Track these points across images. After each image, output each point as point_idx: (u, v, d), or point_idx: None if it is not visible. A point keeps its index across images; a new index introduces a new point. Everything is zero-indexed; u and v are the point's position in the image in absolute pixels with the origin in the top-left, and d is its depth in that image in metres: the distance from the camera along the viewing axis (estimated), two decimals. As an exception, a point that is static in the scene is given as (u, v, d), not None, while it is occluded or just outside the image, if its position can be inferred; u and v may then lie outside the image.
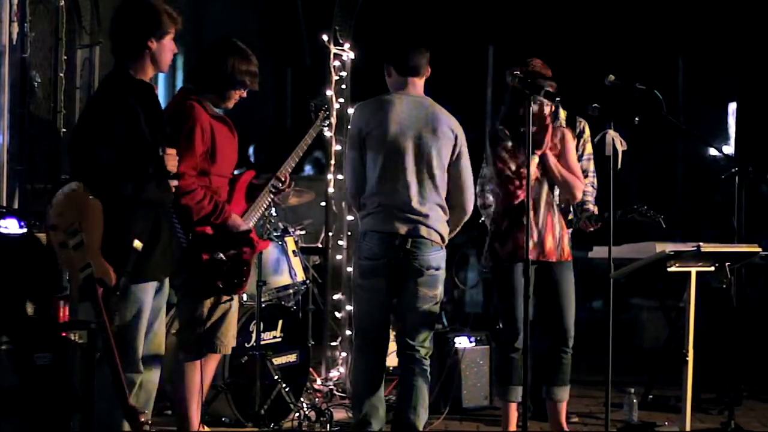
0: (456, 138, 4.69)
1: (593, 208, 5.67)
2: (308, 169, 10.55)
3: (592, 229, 5.56)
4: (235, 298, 4.84)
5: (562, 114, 5.58)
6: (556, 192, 5.18)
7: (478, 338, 6.10)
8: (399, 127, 4.57)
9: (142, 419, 3.85)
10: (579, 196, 5.17)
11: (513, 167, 4.97)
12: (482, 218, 5.68)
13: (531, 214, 5.01)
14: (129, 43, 4.07)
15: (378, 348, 4.71)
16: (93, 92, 4.09)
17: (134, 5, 4.11)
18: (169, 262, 4.22)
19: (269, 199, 4.99)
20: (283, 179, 4.97)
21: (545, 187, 5.14)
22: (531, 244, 4.96)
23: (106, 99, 4.03)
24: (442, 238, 4.66)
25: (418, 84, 4.73)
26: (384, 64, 4.74)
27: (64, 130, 6.52)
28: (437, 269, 4.63)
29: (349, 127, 4.69)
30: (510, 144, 5.00)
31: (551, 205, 5.13)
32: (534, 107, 4.76)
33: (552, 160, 5.05)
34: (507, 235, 5.04)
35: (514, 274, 5.00)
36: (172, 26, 4.10)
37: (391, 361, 5.18)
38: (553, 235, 5.09)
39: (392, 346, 5.05)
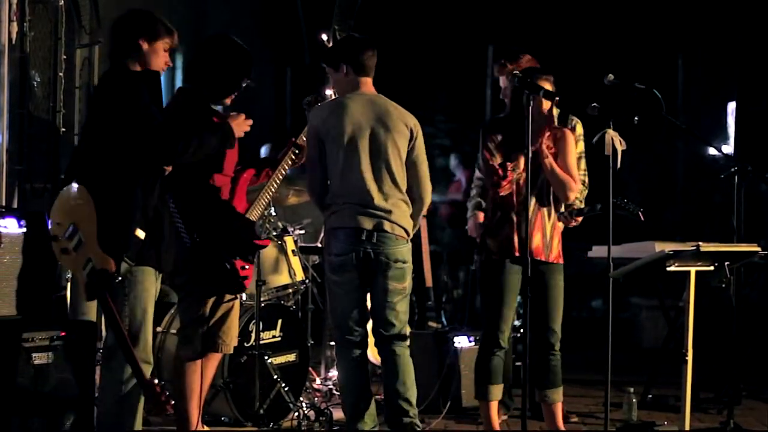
0: (411, 132, 4.77)
1: (579, 205, 5.66)
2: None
3: (573, 225, 5.55)
4: (244, 296, 4.86)
5: (555, 112, 5.57)
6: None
7: (478, 338, 6.09)
8: (354, 126, 4.67)
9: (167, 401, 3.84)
10: (572, 197, 5.15)
11: (498, 160, 4.97)
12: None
13: (518, 209, 5.02)
14: (122, 42, 4.19)
15: (358, 342, 4.75)
16: (96, 89, 4.13)
17: (134, 12, 4.27)
18: (167, 258, 4.27)
19: (289, 163, 5.06)
20: (301, 144, 5.05)
21: (537, 184, 5.14)
22: (516, 240, 4.97)
23: (123, 83, 4.09)
24: (407, 231, 4.74)
25: (370, 83, 4.83)
26: (338, 64, 4.80)
27: (64, 129, 6.53)
28: (404, 262, 4.72)
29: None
30: (500, 137, 5.01)
31: (543, 203, 5.11)
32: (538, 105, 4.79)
33: (548, 159, 5.04)
34: (497, 229, 5.05)
35: (502, 271, 4.99)
36: (166, 36, 4.23)
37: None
38: (542, 233, 5.06)
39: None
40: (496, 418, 5.13)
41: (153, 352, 4.32)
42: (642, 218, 5.16)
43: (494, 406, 5.10)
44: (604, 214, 4.80)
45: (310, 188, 4.85)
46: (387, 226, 4.65)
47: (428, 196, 4.88)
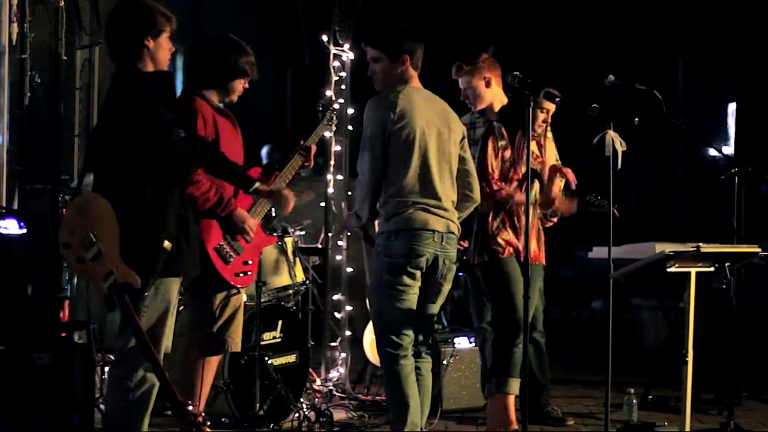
0: (463, 132, 4.66)
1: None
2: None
3: (549, 225, 5.61)
4: (242, 296, 4.86)
5: (550, 107, 5.56)
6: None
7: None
8: (425, 124, 4.44)
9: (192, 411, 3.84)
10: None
11: (496, 164, 5.04)
12: None
13: (521, 215, 5.11)
14: (127, 44, 4.07)
15: (409, 348, 4.51)
16: (110, 94, 4.02)
17: (128, 7, 4.12)
18: (194, 261, 4.17)
19: (299, 163, 5.00)
20: (309, 147, 5.02)
21: (535, 189, 5.21)
22: (520, 244, 5.05)
23: (139, 91, 4.01)
24: (459, 231, 4.62)
25: (418, 79, 4.61)
26: (400, 54, 4.49)
27: (64, 130, 6.53)
28: (456, 264, 4.62)
29: (366, 122, 4.45)
30: (503, 143, 5.05)
31: (536, 208, 5.24)
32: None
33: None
34: (497, 233, 5.16)
35: (509, 266, 5.13)
36: (167, 25, 4.12)
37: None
38: (537, 239, 5.32)
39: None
40: (513, 414, 5.12)
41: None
42: (617, 214, 5.09)
43: (512, 399, 5.09)
44: (591, 213, 4.86)
45: (367, 184, 4.45)
46: (452, 226, 4.50)
47: (479, 195, 4.70)
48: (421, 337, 4.55)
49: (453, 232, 4.50)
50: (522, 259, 4.99)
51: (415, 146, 4.40)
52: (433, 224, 4.40)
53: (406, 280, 4.40)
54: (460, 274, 5.83)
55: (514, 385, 5.12)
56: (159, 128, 3.91)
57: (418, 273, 4.42)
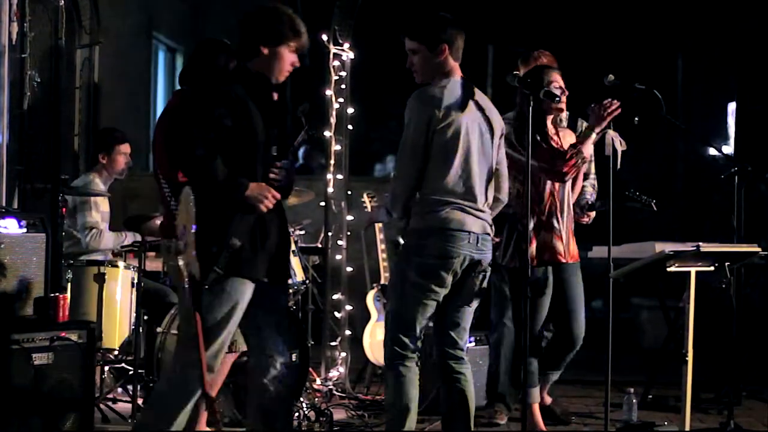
0: (502, 130, 4.50)
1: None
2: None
3: (585, 221, 5.60)
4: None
5: (564, 115, 5.58)
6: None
7: (478, 338, 6.10)
8: (470, 122, 4.29)
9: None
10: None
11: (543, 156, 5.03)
12: None
13: (558, 215, 5.10)
14: (244, 45, 4.05)
15: (415, 351, 4.32)
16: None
17: (262, 10, 4.08)
18: (277, 263, 4.08)
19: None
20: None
21: (567, 187, 5.18)
22: (561, 247, 5.07)
23: (206, 90, 4.00)
24: (494, 232, 4.49)
25: (459, 70, 4.41)
26: (438, 44, 4.29)
27: (63, 129, 6.53)
28: (490, 266, 4.46)
29: (410, 116, 4.28)
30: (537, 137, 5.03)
31: (570, 206, 5.21)
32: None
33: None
34: (534, 234, 5.09)
35: (539, 275, 5.11)
36: (294, 39, 4.03)
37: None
38: (572, 237, 5.27)
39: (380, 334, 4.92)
40: (540, 419, 5.14)
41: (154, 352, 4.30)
42: (655, 209, 5.24)
43: (536, 408, 5.12)
44: (614, 210, 4.85)
45: (405, 181, 4.29)
46: (488, 229, 4.36)
47: (507, 197, 4.56)
48: (457, 339, 4.36)
49: (488, 234, 4.36)
50: (558, 261, 5.07)
51: (459, 146, 4.24)
52: (470, 225, 4.25)
53: (435, 286, 4.23)
54: None
55: (535, 395, 5.15)
56: (216, 127, 3.87)
57: (450, 279, 4.25)
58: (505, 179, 4.51)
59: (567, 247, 5.18)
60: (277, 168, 4.08)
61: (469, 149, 4.27)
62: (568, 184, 5.23)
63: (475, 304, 4.40)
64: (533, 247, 5.06)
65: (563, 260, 5.18)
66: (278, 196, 4.03)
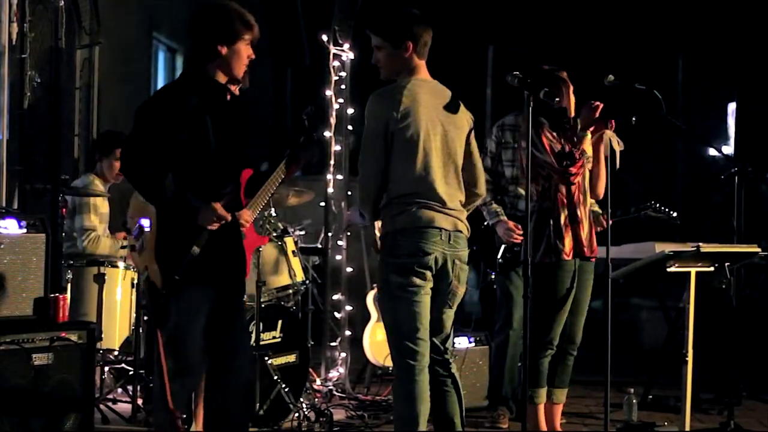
0: (470, 127, 4.44)
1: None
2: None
3: (600, 229, 5.55)
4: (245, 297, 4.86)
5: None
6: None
7: (478, 339, 6.10)
8: (428, 122, 4.23)
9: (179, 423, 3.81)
10: (601, 194, 5.14)
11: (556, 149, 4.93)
12: (486, 221, 5.67)
13: (582, 207, 4.97)
14: (200, 48, 4.00)
15: (426, 356, 4.20)
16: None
17: (208, 10, 4.04)
18: (231, 270, 4.08)
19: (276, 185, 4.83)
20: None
21: (586, 182, 5.12)
22: (585, 240, 4.95)
23: (157, 98, 3.97)
24: (468, 231, 4.44)
25: (425, 67, 4.36)
26: (402, 41, 4.24)
27: (64, 129, 6.54)
28: (468, 264, 4.40)
29: (368, 117, 4.25)
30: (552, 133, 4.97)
31: (588, 199, 5.11)
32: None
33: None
34: (566, 228, 4.92)
35: (565, 272, 4.93)
36: (247, 32, 4.00)
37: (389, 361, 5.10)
38: (592, 230, 5.07)
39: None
40: (543, 422, 5.09)
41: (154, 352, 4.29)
42: (678, 222, 5.32)
43: (542, 409, 5.06)
44: (636, 217, 4.83)
45: (368, 184, 4.25)
46: (460, 225, 4.29)
47: (485, 191, 4.54)
48: (441, 345, 4.31)
49: (461, 231, 4.30)
50: (581, 255, 4.95)
51: (419, 147, 4.20)
52: (440, 222, 4.20)
53: (416, 280, 4.15)
54: (492, 274, 5.79)
55: (542, 395, 5.05)
56: (169, 143, 3.85)
57: (428, 273, 4.19)
58: (481, 173, 4.46)
59: (589, 240, 5.05)
60: (225, 194, 4.01)
61: (430, 151, 4.22)
62: (586, 179, 5.12)
63: (454, 304, 4.34)
64: (567, 240, 4.93)
65: (588, 254, 5.06)
66: (227, 217, 3.96)
